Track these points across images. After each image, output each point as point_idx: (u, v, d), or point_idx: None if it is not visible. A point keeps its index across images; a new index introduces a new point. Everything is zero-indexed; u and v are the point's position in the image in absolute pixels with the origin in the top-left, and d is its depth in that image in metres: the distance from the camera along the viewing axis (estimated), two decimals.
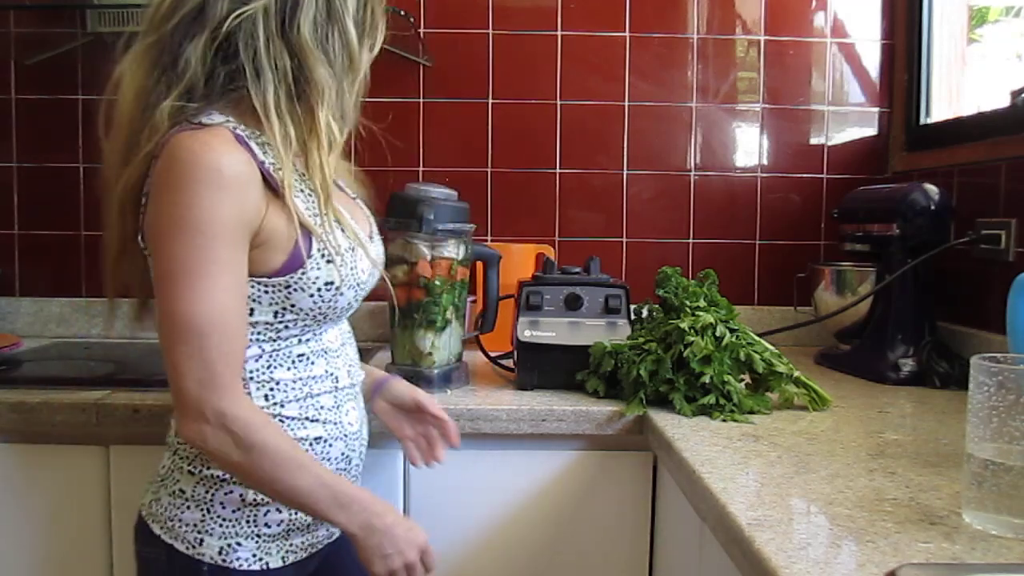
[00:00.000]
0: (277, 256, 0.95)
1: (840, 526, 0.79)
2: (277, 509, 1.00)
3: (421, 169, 1.91)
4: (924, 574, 0.68)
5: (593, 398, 1.34)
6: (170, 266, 0.90)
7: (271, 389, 1.00)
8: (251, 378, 0.99)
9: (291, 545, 1.03)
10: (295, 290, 0.97)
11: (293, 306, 0.98)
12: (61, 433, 1.29)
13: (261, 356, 1.00)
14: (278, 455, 0.92)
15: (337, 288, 0.99)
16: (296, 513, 1.01)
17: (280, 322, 0.99)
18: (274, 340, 1.00)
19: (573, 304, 1.42)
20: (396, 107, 1.90)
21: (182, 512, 0.98)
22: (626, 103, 1.93)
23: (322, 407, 1.03)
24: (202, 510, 0.98)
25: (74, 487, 1.30)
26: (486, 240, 1.90)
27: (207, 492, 0.98)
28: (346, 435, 1.06)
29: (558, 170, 1.94)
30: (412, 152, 1.92)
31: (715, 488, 0.90)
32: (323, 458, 1.03)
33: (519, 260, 1.72)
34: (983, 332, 1.50)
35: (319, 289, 0.98)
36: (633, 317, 1.44)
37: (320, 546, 1.08)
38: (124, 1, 1.68)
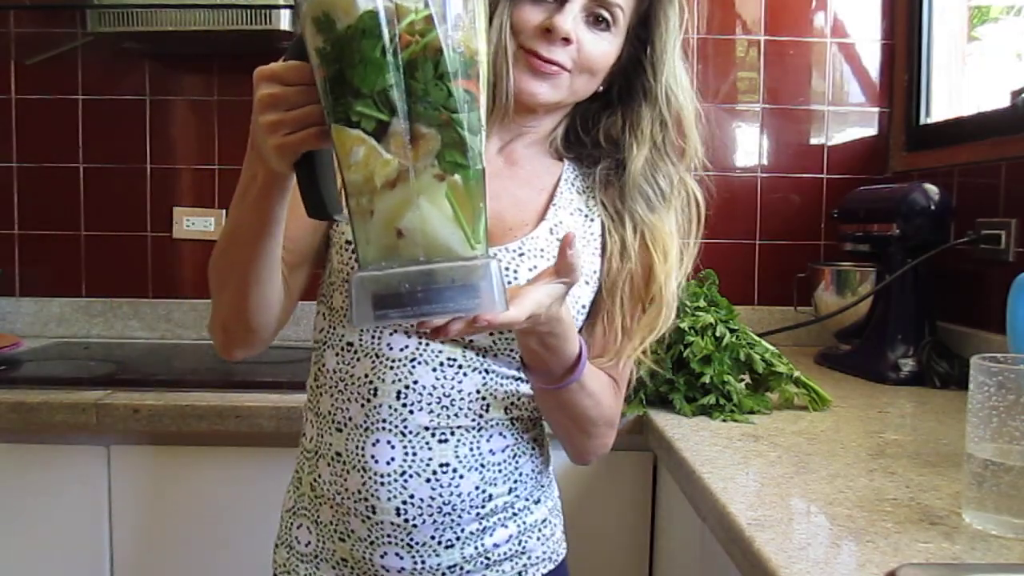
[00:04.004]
0: None
1: (840, 526, 0.79)
2: (308, 529, 0.94)
3: None
4: (924, 574, 0.68)
5: None
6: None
7: (319, 368, 0.93)
8: (319, 341, 0.94)
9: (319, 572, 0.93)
10: (331, 244, 0.91)
11: (330, 262, 0.92)
12: (61, 433, 1.29)
13: (323, 329, 0.94)
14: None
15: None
16: (323, 543, 0.92)
17: (329, 283, 0.92)
18: (330, 310, 0.92)
19: None
20: None
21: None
22: None
23: (350, 418, 0.88)
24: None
25: (74, 487, 1.30)
26: None
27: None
28: (365, 470, 0.86)
29: None
30: None
31: (715, 488, 0.90)
32: (342, 486, 0.88)
33: None
34: (983, 332, 1.49)
35: (342, 247, 0.90)
36: None
37: None
38: (124, 1, 1.67)
